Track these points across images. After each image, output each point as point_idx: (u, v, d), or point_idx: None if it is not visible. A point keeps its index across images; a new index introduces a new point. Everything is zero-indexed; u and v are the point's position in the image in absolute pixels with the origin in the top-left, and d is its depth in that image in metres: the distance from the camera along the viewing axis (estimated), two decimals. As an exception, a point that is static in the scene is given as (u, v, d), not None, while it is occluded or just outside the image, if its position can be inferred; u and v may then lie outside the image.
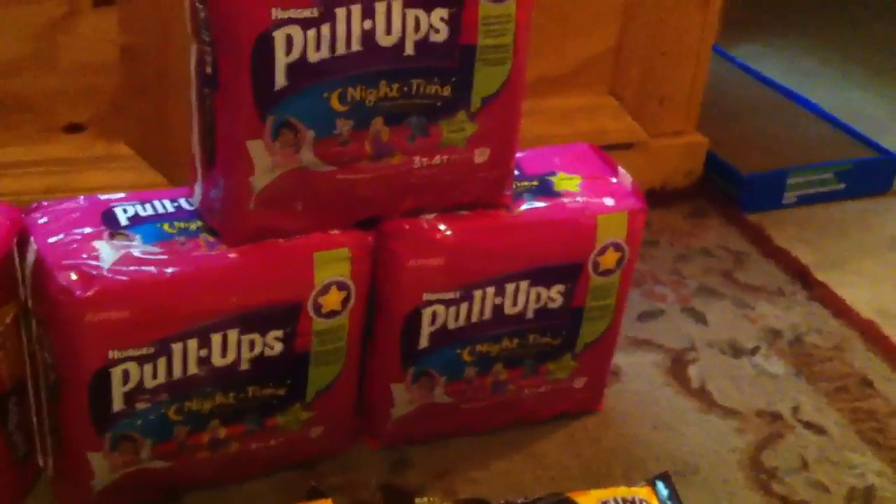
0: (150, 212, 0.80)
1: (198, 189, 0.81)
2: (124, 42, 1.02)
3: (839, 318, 1.12)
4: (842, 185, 1.36)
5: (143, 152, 1.09)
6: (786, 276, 1.19)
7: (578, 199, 0.87)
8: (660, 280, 1.17)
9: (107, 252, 0.75)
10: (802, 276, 1.19)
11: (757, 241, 1.26)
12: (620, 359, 1.02)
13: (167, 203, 0.82)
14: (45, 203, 0.81)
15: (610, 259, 0.88)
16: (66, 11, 1.00)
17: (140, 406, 0.78)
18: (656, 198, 1.29)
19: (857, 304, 1.14)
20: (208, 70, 0.74)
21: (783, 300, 1.15)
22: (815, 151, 1.40)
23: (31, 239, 0.77)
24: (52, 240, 0.76)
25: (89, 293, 0.73)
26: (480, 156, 0.82)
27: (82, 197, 0.82)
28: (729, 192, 1.33)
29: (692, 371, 1.03)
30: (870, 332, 1.10)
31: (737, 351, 1.07)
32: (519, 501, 0.83)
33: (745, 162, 1.35)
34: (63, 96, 1.04)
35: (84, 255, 0.75)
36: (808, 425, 0.98)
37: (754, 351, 1.07)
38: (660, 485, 0.85)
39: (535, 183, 0.89)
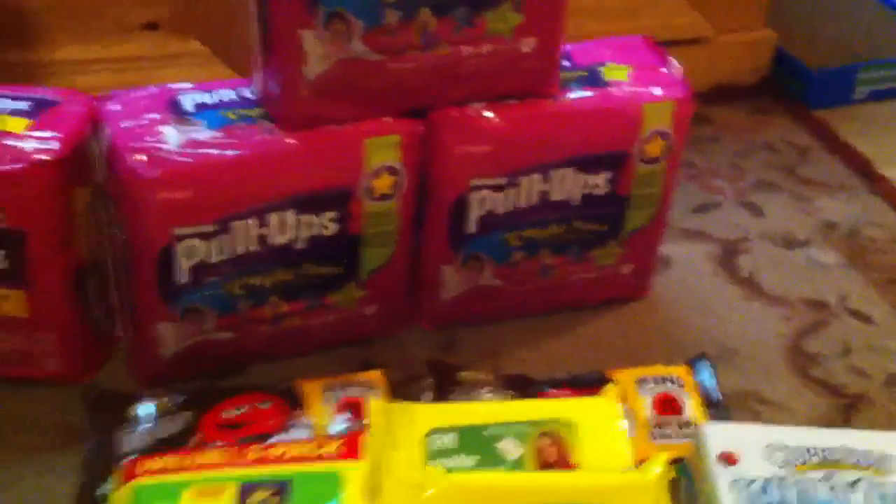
0: (214, 100, 0.85)
1: (257, 78, 0.85)
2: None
3: (899, 212, 1.12)
4: (915, 81, 1.33)
5: (215, 48, 1.14)
6: (848, 170, 1.19)
7: (626, 88, 0.89)
8: (718, 174, 1.18)
9: (173, 136, 0.81)
10: (864, 170, 1.18)
11: (822, 136, 1.25)
12: (671, 249, 1.04)
13: (230, 92, 0.86)
14: (118, 92, 0.87)
15: (655, 147, 0.90)
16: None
17: (205, 280, 0.84)
18: (721, 94, 1.28)
19: (920, 199, 1.14)
20: (261, -38, 0.78)
21: (843, 194, 1.15)
22: (887, 44, 1.37)
23: (105, 124, 0.83)
24: (123, 125, 0.82)
25: (155, 174, 0.79)
26: (526, 45, 0.84)
27: (152, 86, 0.87)
28: (797, 89, 1.32)
29: (742, 261, 1.05)
30: (929, 227, 1.10)
31: (790, 242, 1.08)
32: (559, 377, 0.87)
33: (814, 57, 1.33)
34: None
35: (151, 139, 0.80)
36: (854, 313, 0.99)
37: (808, 242, 1.08)
38: (697, 364, 0.88)
39: (584, 73, 0.91)
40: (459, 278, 0.93)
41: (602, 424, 0.76)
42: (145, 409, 0.82)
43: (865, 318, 0.98)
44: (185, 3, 1.11)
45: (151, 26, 1.12)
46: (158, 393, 0.84)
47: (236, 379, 0.90)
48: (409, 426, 0.75)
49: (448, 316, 0.95)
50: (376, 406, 0.76)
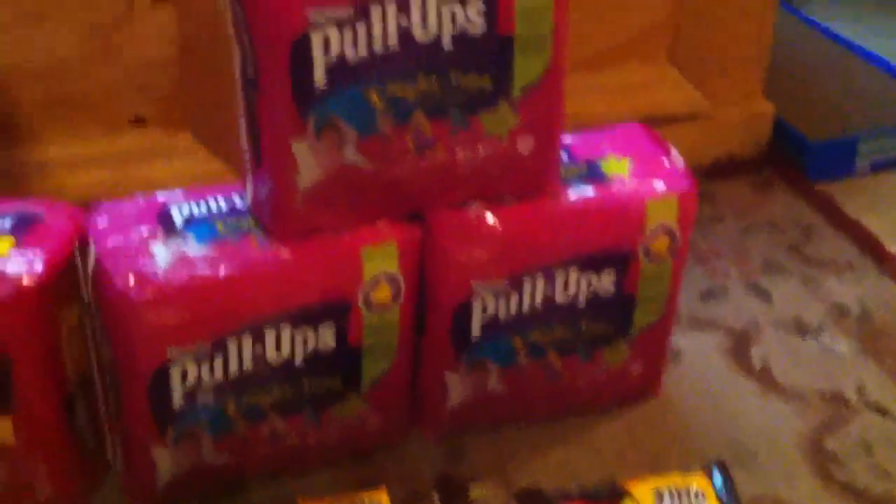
0: (204, 211, 0.82)
1: (248, 187, 0.82)
2: (182, 36, 1.04)
3: (911, 293, 1.09)
4: (918, 150, 1.31)
5: (206, 142, 1.11)
6: (856, 248, 1.16)
7: (627, 183, 0.86)
8: (723, 255, 1.15)
9: (162, 254, 0.77)
10: (873, 249, 1.15)
11: (826, 211, 1.22)
12: (680, 340, 1.01)
13: (221, 201, 0.84)
14: (105, 203, 0.84)
15: (661, 244, 0.87)
16: (125, 9, 1.02)
17: (199, 402, 0.80)
18: (721, 170, 1.26)
19: (932, 278, 1.11)
20: (250, 72, 0.75)
21: (852, 274, 1.12)
22: (888, 113, 1.35)
23: (91, 241, 0.80)
24: (110, 242, 0.79)
25: (146, 296, 0.75)
26: (524, 146, 0.82)
27: (140, 197, 0.84)
28: (797, 161, 1.29)
29: (755, 352, 1.02)
30: (944, 307, 1.07)
31: (802, 329, 1.05)
32: (573, 490, 0.83)
33: (814, 127, 1.31)
34: (126, 91, 1.07)
35: (140, 258, 0.77)
36: (874, 407, 0.95)
37: (820, 329, 1.05)
38: (715, 472, 0.84)
39: (583, 168, 0.88)
40: (464, 385, 0.89)
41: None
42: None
43: (885, 412, 0.95)
44: (172, 97, 1.09)
45: (139, 121, 1.10)
46: (153, 521, 0.80)
47: (236, 500, 0.86)
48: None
49: (452, 424, 0.92)
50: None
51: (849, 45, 1.50)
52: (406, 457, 0.90)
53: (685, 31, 1.22)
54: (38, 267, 0.77)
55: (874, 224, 1.19)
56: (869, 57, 1.47)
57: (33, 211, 0.83)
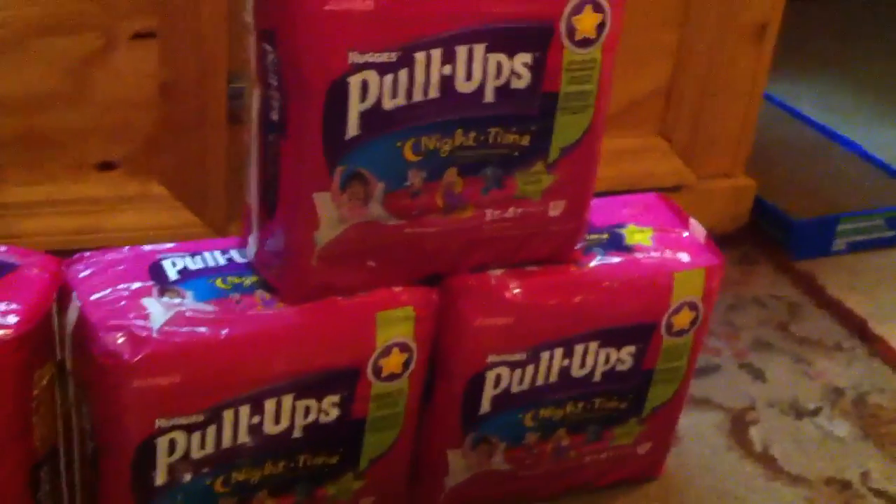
0: (200, 265, 0.75)
1: (252, 241, 0.75)
2: (163, 77, 0.96)
3: (902, 377, 1.07)
4: (892, 232, 1.31)
5: (178, 192, 1.03)
6: (843, 329, 1.14)
7: (652, 254, 0.82)
8: (713, 333, 1.11)
9: (157, 311, 0.69)
10: (860, 330, 1.14)
11: (810, 290, 1.21)
12: (679, 419, 0.96)
13: (218, 255, 0.76)
14: (87, 254, 0.75)
15: (684, 319, 0.83)
16: (103, 44, 0.94)
17: (185, 478, 0.71)
18: (703, 243, 1.24)
19: (920, 361, 1.10)
20: (274, 116, 0.69)
21: (842, 355, 1.10)
22: (863, 195, 1.35)
23: (74, 295, 0.71)
24: (96, 296, 0.70)
25: (138, 358, 0.67)
26: (555, 209, 0.77)
27: (126, 248, 0.76)
28: (777, 238, 1.28)
29: (754, 433, 0.98)
30: (935, 392, 1.05)
31: (799, 412, 1.01)
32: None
33: (792, 206, 1.30)
34: (96, 133, 0.98)
35: (132, 315, 0.69)
36: (879, 493, 0.92)
37: (817, 412, 1.02)
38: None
39: (604, 236, 0.84)
40: (467, 464, 0.82)
41: None
42: None
43: (891, 500, 0.92)
44: (144, 142, 1.00)
45: (108, 166, 1.01)
46: None
47: (213, 588, 0.77)
48: None
49: (449, 504, 0.85)
50: None
51: (817, 127, 1.51)
52: (400, 540, 0.83)
53: (674, 105, 1.21)
54: (12, 320, 0.68)
55: (857, 304, 1.18)
56: (837, 139, 1.48)
57: (6, 259, 0.74)
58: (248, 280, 0.74)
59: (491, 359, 0.78)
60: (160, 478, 0.70)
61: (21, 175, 0.96)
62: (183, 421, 0.69)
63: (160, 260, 0.74)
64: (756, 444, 0.97)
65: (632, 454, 0.88)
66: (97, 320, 0.68)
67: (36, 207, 0.97)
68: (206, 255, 0.76)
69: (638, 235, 0.84)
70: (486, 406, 0.80)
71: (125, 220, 1.00)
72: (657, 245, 0.83)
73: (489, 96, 0.70)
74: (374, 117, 0.68)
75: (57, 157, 0.97)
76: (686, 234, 0.86)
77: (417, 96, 0.68)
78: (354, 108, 0.67)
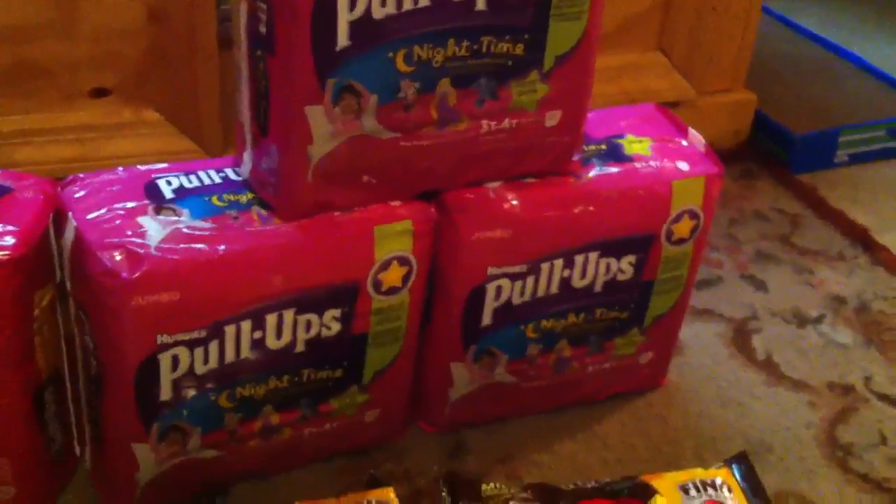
0: (195, 183, 0.74)
1: (247, 159, 0.75)
2: (151, 3, 0.95)
3: (905, 284, 1.07)
4: (894, 143, 1.30)
5: (172, 118, 1.02)
6: (845, 239, 1.14)
7: (651, 163, 0.82)
8: (715, 245, 1.11)
9: (154, 228, 0.69)
10: (863, 240, 1.13)
11: (811, 202, 1.20)
12: (681, 330, 0.97)
13: (213, 174, 0.76)
14: (82, 175, 0.75)
15: (684, 227, 0.82)
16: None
17: (189, 394, 0.72)
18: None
19: (922, 269, 1.09)
20: (262, 30, 0.68)
21: (844, 265, 1.10)
22: (864, 108, 1.34)
23: (70, 215, 0.71)
24: (92, 216, 0.70)
25: (137, 274, 0.67)
26: (551, 119, 0.76)
27: (120, 168, 0.76)
28: (778, 153, 1.27)
29: (756, 342, 0.98)
30: (937, 299, 1.05)
31: (801, 320, 1.02)
32: (589, 485, 0.78)
33: (794, 121, 1.29)
34: (87, 61, 0.97)
35: (129, 233, 0.69)
36: (883, 397, 0.93)
37: (819, 319, 1.02)
38: (737, 465, 0.80)
39: (602, 147, 0.83)
40: (470, 376, 0.83)
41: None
42: (122, 548, 0.70)
43: (895, 403, 0.92)
44: (136, 69, 0.99)
45: (101, 93, 1.00)
46: (133, 526, 0.72)
47: (224, 502, 0.78)
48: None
49: (454, 418, 0.85)
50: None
51: (820, 41, 1.49)
52: (405, 453, 0.84)
53: (673, 20, 1.19)
54: (9, 241, 0.68)
55: (858, 214, 1.17)
56: (840, 53, 1.46)
57: (1, 182, 0.74)
58: (245, 197, 0.74)
59: (491, 271, 0.78)
60: (164, 394, 0.71)
61: (14, 104, 0.96)
62: (185, 337, 0.69)
63: (155, 179, 0.74)
64: (758, 352, 0.97)
65: (634, 365, 0.89)
66: (94, 239, 0.68)
67: (30, 136, 0.96)
68: (201, 174, 0.76)
69: (636, 145, 0.83)
70: (487, 319, 0.80)
71: (120, 146, 1.00)
72: (656, 154, 0.83)
73: (481, 4, 0.69)
74: (365, 27, 0.66)
75: (49, 86, 0.96)
76: (685, 143, 0.85)
77: (407, 5, 0.67)
78: (343, 19, 0.66)
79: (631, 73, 1.20)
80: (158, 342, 0.69)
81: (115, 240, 0.68)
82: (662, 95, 1.22)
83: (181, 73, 0.99)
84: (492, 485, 0.77)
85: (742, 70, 1.26)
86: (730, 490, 0.77)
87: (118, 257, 0.67)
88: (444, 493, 0.76)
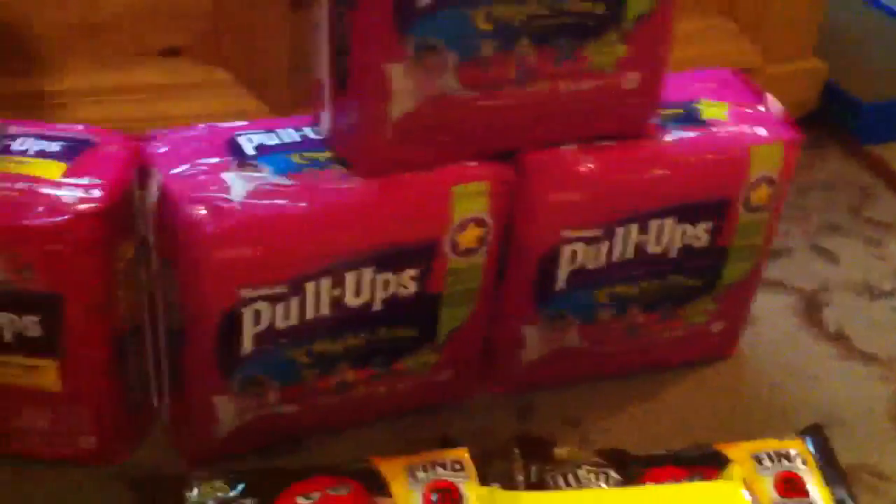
0: (275, 141, 0.75)
1: (325, 117, 0.75)
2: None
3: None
4: (968, 116, 1.28)
5: (242, 78, 1.03)
6: (916, 212, 1.12)
7: (729, 128, 0.81)
8: (783, 216, 1.09)
9: (237, 184, 0.70)
10: (935, 213, 1.12)
11: (881, 174, 1.18)
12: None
13: (292, 132, 0.76)
14: (163, 131, 0.76)
15: (762, 194, 0.82)
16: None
17: (269, 348, 0.73)
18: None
19: None
20: (344, -15, 0.68)
21: (916, 238, 1.09)
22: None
23: (154, 170, 0.72)
24: (176, 170, 0.71)
25: (221, 229, 0.68)
26: (630, 81, 0.76)
27: (201, 125, 0.77)
28: (847, 122, 1.25)
29: (827, 314, 0.97)
30: None
31: (872, 293, 1.00)
32: (661, 453, 0.78)
33: (864, 90, 1.26)
34: (157, 20, 0.98)
35: (213, 188, 0.69)
36: (957, 373, 0.92)
37: (892, 293, 1.00)
38: (811, 437, 0.79)
39: (679, 111, 0.82)
40: (541, 339, 0.83)
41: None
42: (203, 495, 0.71)
43: (970, 378, 0.91)
44: (209, 27, 1.00)
45: (172, 52, 1.01)
46: (211, 475, 0.73)
47: (296, 457, 0.79)
48: (519, 520, 0.65)
49: (524, 381, 0.86)
50: (481, 495, 0.66)
51: (890, 10, 1.46)
52: (475, 413, 0.84)
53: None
54: (96, 194, 0.70)
55: (931, 188, 1.16)
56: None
57: (84, 137, 0.75)
58: (324, 155, 0.74)
59: (565, 234, 0.78)
60: (245, 347, 0.72)
61: (84, 62, 0.97)
62: (267, 292, 0.70)
63: (236, 136, 0.75)
64: (829, 324, 0.96)
65: (705, 333, 0.88)
66: (179, 194, 0.69)
67: (101, 95, 0.98)
68: (280, 131, 0.76)
69: (713, 110, 0.83)
70: (560, 282, 0.80)
71: (189, 106, 1.00)
72: (733, 119, 0.82)
73: (565, -39, 0.69)
74: (449, -17, 0.67)
75: (119, 44, 0.97)
76: (762, 108, 0.84)
77: (491, -39, 0.67)
78: (428, -25, 0.66)
79: (698, 39, 1.19)
80: (241, 296, 0.70)
81: (200, 194, 0.69)
82: (729, 62, 1.19)
83: (251, 32, 1.00)
84: (564, 449, 0.78)
85: (812, 36, 1.24)
86: (804, 462, 0.77)
87: (203, 211, 0.68)
88: (516, 453, 0.77)
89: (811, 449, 0.78)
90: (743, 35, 1.20)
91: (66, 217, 0.68)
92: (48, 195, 0.69)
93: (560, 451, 0.77)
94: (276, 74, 1.03)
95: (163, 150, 0.74)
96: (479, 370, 0.85)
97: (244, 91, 1.04)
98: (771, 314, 0.97)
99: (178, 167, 0.72)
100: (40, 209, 0.68)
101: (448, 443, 0.77)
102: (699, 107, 0.83)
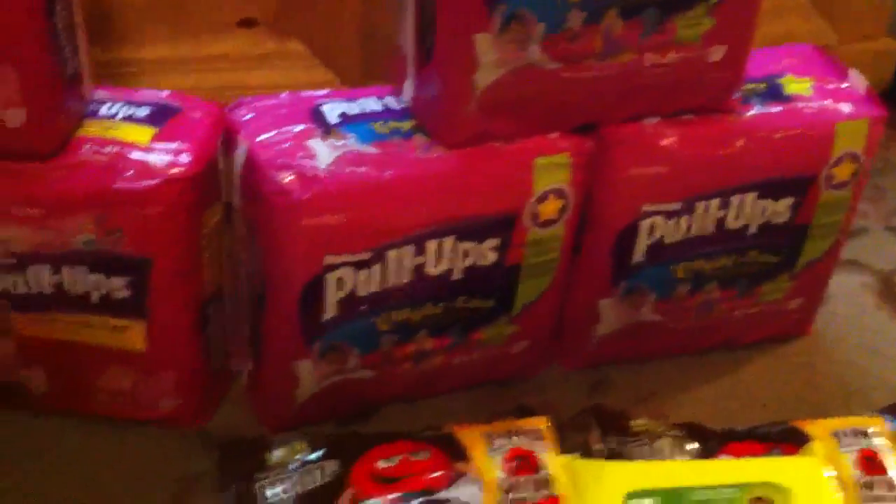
0: (357, 110, 0.75)
1: (408, 87, 0.75)
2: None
3: None
4: None
5: (316, 49, 1.04)
6: None
7: (813, 104, 0.80)
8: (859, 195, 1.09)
9: (323, 152, 0.71)
10: None
11: (958, 156, 1.16)
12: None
13: (373, 101, 0.77)
14: (247, 98, 0.77)
15: (845, 171, 0.81)
16: None
17: (352, 315, 0.74)
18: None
19: None
20: (433, -46, 0.68)
21: None
22: None
23: (240, 136, 0.73)
24: (262, 137, 0.72)
25: (308, 195, 0.68)
26: (715, 54, 0.75)
27: (284, 93, 0.77)
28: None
29: (903, 295, 0.97)
30: None
31: (950, 274, 0.99)
32: (738, 429, 0.78)
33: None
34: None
35: (300, 154, 0.70)
36: None
37: (970, 275, 0.99)
38: (890, 417, 0.78)
39: (762, 85, 0.81)
40: (617, 314, 0.83)
41: (815, 490, 0.67)
42: (284, 457, 0.72)
43: None
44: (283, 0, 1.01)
45: (248, 23, 1.02)
46: (292, 438, 0.74)
47: (372, 426, 0.80)
48: (601, 488, 0.66)
49: (596, 355, 0.86)
50: (561, 464, 0.67)
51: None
52: (547, 386, 0.85)
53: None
54: (185, 159, 0.71)
55: None
56: None
57: (170, 103, 0.76)
58: (407, 125, 0.74)
59: (645, 208, 0.78)
60: (328, 313, 0.73)
61: (162, 32, 0.98)
62: (350, 258, 0.71)
63: (319, 105, 0.75)
64: (905, 305, 0.95)
65: (781, 310, 0.88)
66: (266, 160, 0.70)
67: (178, 64, 0.99)
68: (363, 101, 0.77)
69: (797, 85, 0.82)
70: (638, 256, 0.80)
71: (265, 77, 1.01)
72: (817, 95, 0.81)
73: (654, -69, 0.68)
74: (539, -47, 0.66)
75: (197, 15, 0.98)
76: (846, 84, 0.83)
77: (583, -70, 0.66)
78: (518, -58, 0.66)
79: (770, 16, 1.16)
80: (325, 262, 0.71)
81: (287, 161, 0.70)
82: (802, 40, 1.18)
83: (325, 4, 1.01)
84: (642, 420, 0.78)
85: (885, 18, 1.22)
86: (885, 440, 0.76)
87: (290, 178, 0.69)
88: (593, 424, 0.77)
89: (890, 427, 0.77)
90: (817, 14, 1.19)
91: (156, 181, 0.69)
92: (138, 159, 0.70)
93: (637, 423, 0.77)
94: (347, 46, 1.03)
95: (248, 116, 0.74)
96: (552, 343, 0.85)
97: (317, 62, 1.05)
98: (847, 293, 0.95)
99: (264, 134, 0.72)
100: (131, 173, 0.69)
101: (525, 412, 0.78)
102: (783, 82, 0.82)
